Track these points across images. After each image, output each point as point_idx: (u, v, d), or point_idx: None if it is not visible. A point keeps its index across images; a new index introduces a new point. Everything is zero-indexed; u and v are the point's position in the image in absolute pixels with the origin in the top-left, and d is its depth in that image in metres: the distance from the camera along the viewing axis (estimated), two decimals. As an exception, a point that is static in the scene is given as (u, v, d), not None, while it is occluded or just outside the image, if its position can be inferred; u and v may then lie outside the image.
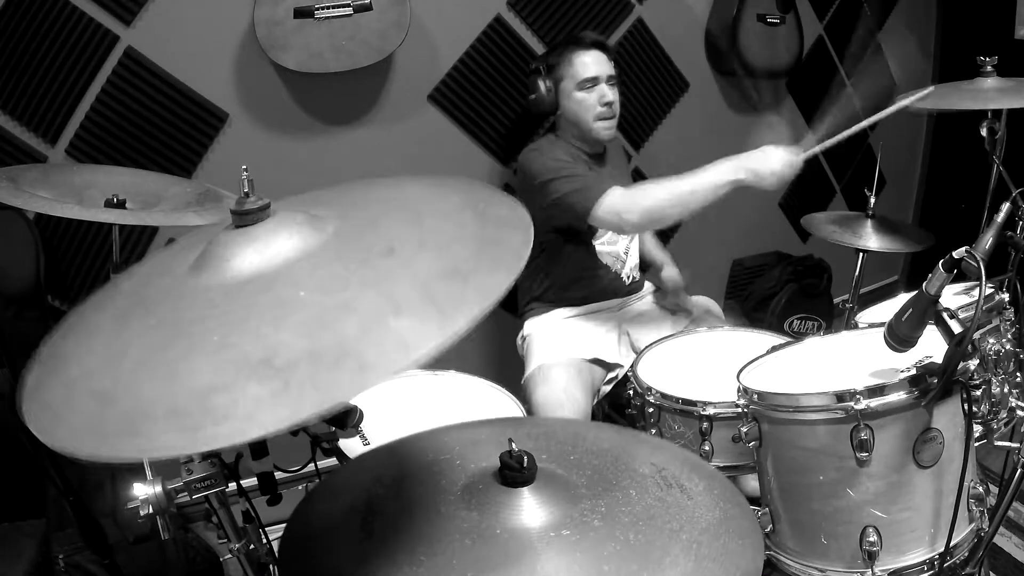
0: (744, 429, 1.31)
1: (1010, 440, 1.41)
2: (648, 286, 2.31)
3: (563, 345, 2.01)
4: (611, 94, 2.06)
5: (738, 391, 1.35)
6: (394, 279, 0.66)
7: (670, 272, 2.24)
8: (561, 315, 2.14)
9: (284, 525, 0.93)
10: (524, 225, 0.75)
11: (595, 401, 2.04)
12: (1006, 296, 1.47)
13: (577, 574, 0.79)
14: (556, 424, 1.44)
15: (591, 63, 2.05)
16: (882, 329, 1.22)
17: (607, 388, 2.07)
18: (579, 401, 1.89)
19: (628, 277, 2.21)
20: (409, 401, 1.70)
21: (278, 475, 1.06)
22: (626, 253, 2.19)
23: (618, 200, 1.82)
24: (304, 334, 0.61)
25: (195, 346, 0.65)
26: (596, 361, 2.01)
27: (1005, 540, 2.07)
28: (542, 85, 2.10)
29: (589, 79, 2.05)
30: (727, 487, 0.98)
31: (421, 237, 0.73)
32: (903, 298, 1.23)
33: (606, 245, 2.16)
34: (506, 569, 0.79)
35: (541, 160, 2.01)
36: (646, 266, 2.31)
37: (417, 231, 0.76)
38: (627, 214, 1.81)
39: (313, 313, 0.64)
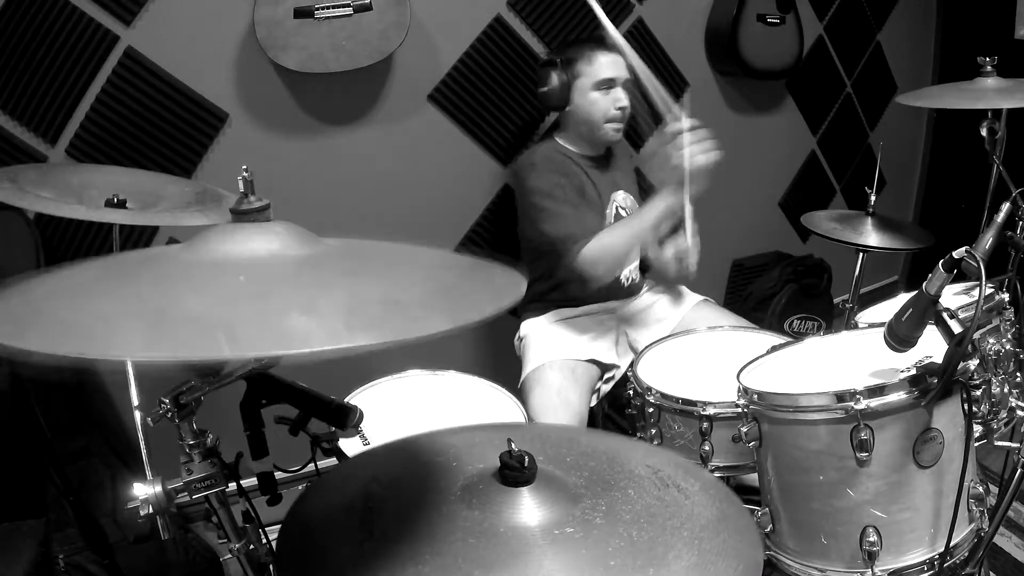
0: (744, 429, 1.31)
1: (1010, 440, 1.41)
2: (647, 284, 2.31)
3: (558, 346, 2.01)
4: (625, 99, 2.05)
5: (738, 391, 1.35)
6: (331, 288, 0.67)
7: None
8: (557, 316, 2.14)
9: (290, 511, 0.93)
10: (506, 295, 0.73)
11: (595, 402, 2.04)
12: (1006, 296, 1.47)
13: (584, 570, 0.80)
14: (550, 429, 1.45)
15: (611, 64, 2.03)
16: (882, 329, 1.22)
17: (607, 388, 2.07)
18: (573, 404, 1.89)
19: (627, 280, 2.21)
20: (409, 401, 1.70)
21: (278, 475, 1.07)
22: None
23: (588, 255, 1.89)
24: (208, 303, 0.64)
25: (122, 287, 0.70)
26: (592, 362, 2.01)
27: (1005, 540, 2.07)
28: (556, 78, 2.07)
29: (607, 80, 2.03)
30: (721, 488, 0.99)
31: (394, 272, 0.74)
32: (903, 298, 1.23)
33: None
34: (513, 567, 0.80)
35: (537, 183, 2.02)
36: (646, 266, 2.30)
37: (395, 268, 0.76)
38: (597, 267, 1.91)
39: (234, 292, 0.66)
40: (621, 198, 2.19)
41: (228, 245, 0.75)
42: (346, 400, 1.39)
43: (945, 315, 1.16)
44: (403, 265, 0.79)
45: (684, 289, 2.26)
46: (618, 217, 2.16)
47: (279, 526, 0.93)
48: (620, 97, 2.05)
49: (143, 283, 0.71)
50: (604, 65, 2.03)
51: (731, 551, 0.84)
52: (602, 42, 2.04)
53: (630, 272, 2.21)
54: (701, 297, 2.22)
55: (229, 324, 0.59)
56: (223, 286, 0.67)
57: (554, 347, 2.01)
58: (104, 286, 0.71)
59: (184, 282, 0.70)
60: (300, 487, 1.68)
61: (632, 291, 2.23)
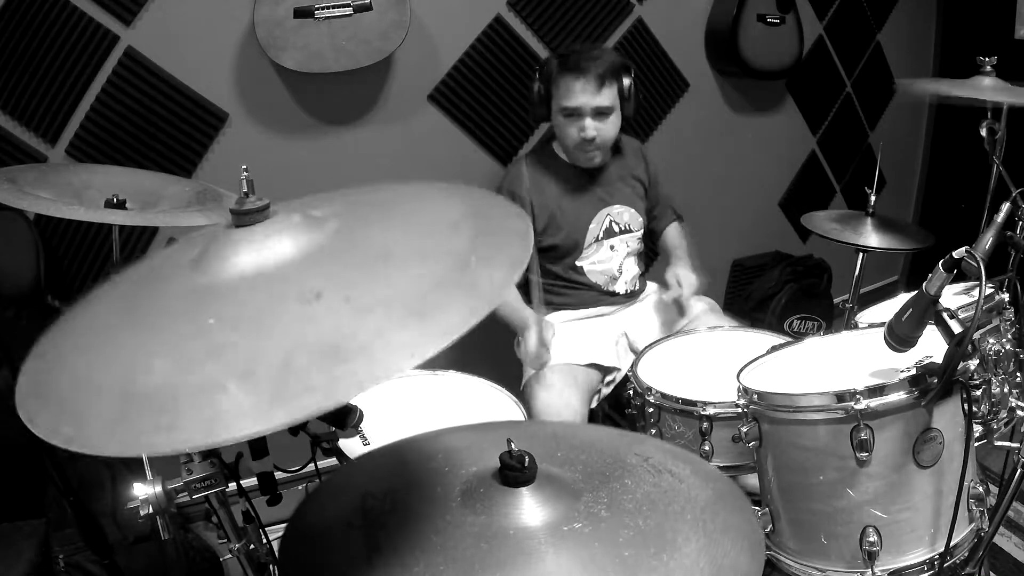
0: (744, 429, 1.31)
1: (1010, 440, 1.41)
2: (649, 287, 2.30)
3: (559, 349, 2.00)
4: (591, 130, 1.98)
5: (738, 391, 1.35)
6: (278, 336, 0.64)
7: (675, 271, 2.14)
8: (557, 319, 2.13)
9: (283, 527, 0.92)
10: (486, 299, 0.67)
11: (595, 403, 2.04)
12: (1006, 296, 1.47)
13: (602, 564, 0.80)
14: (535, 426, 1.45)
15: (576, 92, 1.95)
16: (882, 329, 1.22)
17: (607, 391, 2.07)
18: (575, 406, 1.89)
19: (625, 290, 2.20)
20: (409, 401, 1.70)
21: (278, 475, 1.07)
22: (620, 270, 2.18)
23: None
24: (167, 369, 0.62)
25: (117, 346, 0.69)
26: (592, 365, 2.00)
27: (1005, 540, 2.07)
28: (536, 93, 2.05)
29: (571, 109, 1.98)
30: (710, 469, 1.00)
31: (362, 289, 0.69)
32: (903, 298, 1.23)
33: (596, 264, 2.15)
34: (531, 568, 0.80)
35: (503, 183, 2.13)
36: (647, 266, 2.30)
37: (370, 277, 0.72)
38: None
39: (192, 348, 0.64)
40: (617, 212, 2.16)
41: (218, 263, 0.74)
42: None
43: (945, 315, 1.16)
44: (387, 260, 0.75)
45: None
46: (609, 231, 2.15)
47: (279, 526, 0.93)
48: (586, 127, 1.98)
49: (135, 333, 0.71)
50: (568, 92, 1.96)
51: (733, 529, 0.86)
52: (574, 65, 1.95)
53: (627, 284, 2.20)
54: (705, 306, 2.20)
55: (175, 404, 0.58)
56: (193, 337, 0.66)
57: (555, 351, 2.00)
58: (109, 348, 0.70)
59: (166, 332, 0.69)
60: (300, 487, 1.68)
61: (631, 296, 2.23)
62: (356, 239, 0.80)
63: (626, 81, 2.02)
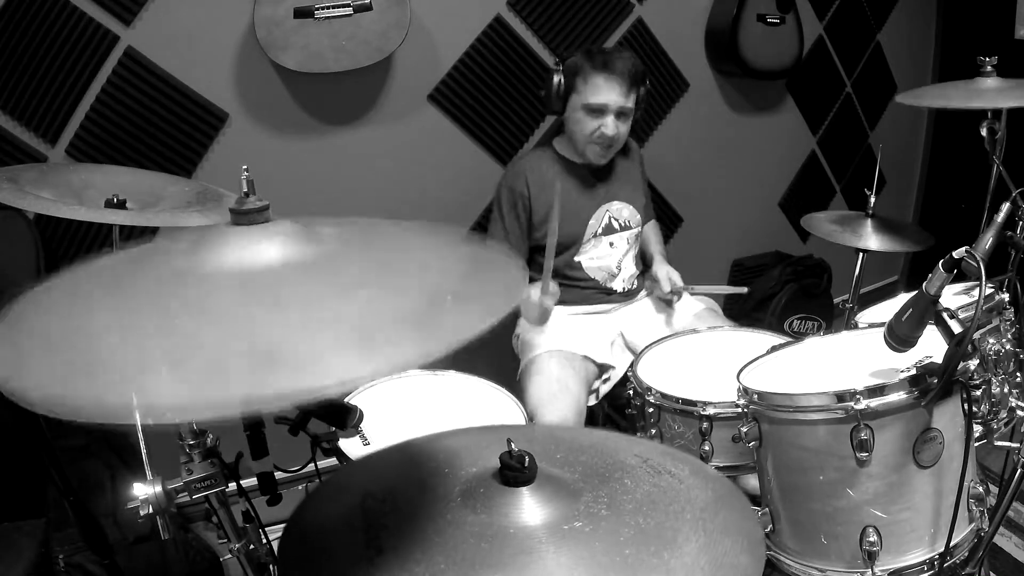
0: (744, 429, 1.31)
1: (1010, 440, 1.41)
2: (646, 288, 2.31)
3: (555, 338, 2.01)
4: (612, 128, 2.01)
5: (738, 391, 1.35)
6: (223, 333, 0.64)
7: (657, 270, 2.20)
8: (554, 314, 2.14)
9: (284, 527, 0.92)
10: (441, 344, 0.66)
11: (594, 402, 2.04)
12: (1006, 296, 1.47)
13: (602, 562, 0.80)
14: (534, 429, 1.45)
15: (605, 90, 1.98)
16: (882, 329, 1.23)
17: (605, 389, 2.07)
18: (573, 391, 1.89)
19: (622, 288, 2.21)
20: (409, 401, 1.70)
21: (278, 475, 1.07)
22: (619, 267, 2.19)
23: None
24: (116, 342, 0.64)
25: (90, 310, 0.73)
26: (587, 359, 2.01)
27: (1005, 540, 2.07)
28: (555, 85, 2.06)
29: (597, 106, 2.00)
30: (709, 471, 1.00)
31: (324, 306, 0.70)
32: (903, 298, 1.23)
33: (595, 260, 2.16)
34: (532, 567, 0.80)
35: (498, 194, 2.15)
36: (647, 267, 2.30)
37: (338, 296, 0.72)
38: None
39: (149, 325, 0.66)
40: (616, 208, 2.18)
41: (203, 254, 0.74)
42: (346, 400, 1.39)
43: (945, 315, 1.16)
44: (373, 284, 0.76)
45: (685, 296, 2.26)
46: (609, 227, 2.16)
47: (279, 526, 0.93)
48: (607, 124, 2.00)
49: (105, 301, 0.73)
50: (597, 89, 1.99)
51: (733, 528, 0.86)
52: (605, 64, 1.99)
53: (625, 282, 2.21)
54: (703, 306, 2.21)
55: (113, 375, 0.59)
56: (147, 315, 0.68)
57: (551, 340, 2.01)
58: (75, 310, 0.73)
59: (128, 301, 0.71)
60: (300, 487, 1.68)
61: (628, 295, 2.23)
62: (348, 259, 0.80)
63: (642, 89, 2.07)
